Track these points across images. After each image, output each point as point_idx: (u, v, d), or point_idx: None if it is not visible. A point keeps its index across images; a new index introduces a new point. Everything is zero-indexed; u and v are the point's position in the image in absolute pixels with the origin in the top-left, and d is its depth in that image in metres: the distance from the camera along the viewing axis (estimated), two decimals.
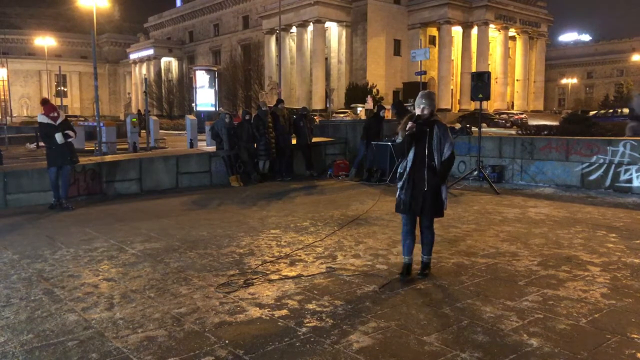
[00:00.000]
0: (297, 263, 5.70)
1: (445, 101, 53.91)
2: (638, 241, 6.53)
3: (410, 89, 48.41)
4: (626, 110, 32.02)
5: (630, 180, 10.24)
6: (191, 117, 23.82)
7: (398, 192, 5.14)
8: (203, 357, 3.51)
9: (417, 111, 5.02)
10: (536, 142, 12.02)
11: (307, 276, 5.22)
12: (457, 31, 57.07)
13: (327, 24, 55.58)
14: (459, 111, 53.50)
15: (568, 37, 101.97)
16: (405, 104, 21.13)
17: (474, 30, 56.81)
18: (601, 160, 10.64)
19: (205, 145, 19.16)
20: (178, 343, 3.73)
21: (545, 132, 20.40)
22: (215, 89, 47.77)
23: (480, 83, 11.27)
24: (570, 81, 78.62)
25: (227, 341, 3.75)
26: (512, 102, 61.18)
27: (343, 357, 3.49)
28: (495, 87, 53.81)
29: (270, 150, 12.71)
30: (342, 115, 42.93)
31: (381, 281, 5.01)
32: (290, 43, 58.24)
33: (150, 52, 78.72)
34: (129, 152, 19.76)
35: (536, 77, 64.23)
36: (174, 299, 4.62)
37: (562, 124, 22.85)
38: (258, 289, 4.87)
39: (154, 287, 4.94)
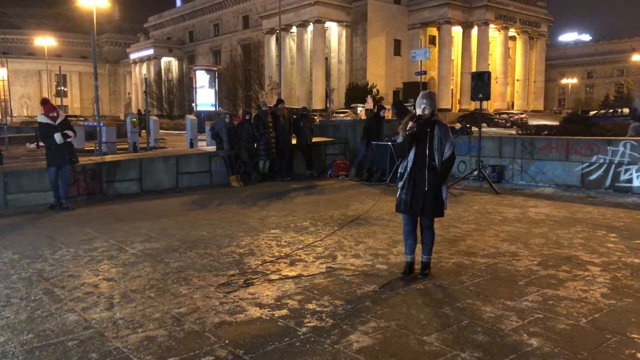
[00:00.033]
0: (297, 263, 5.70)
1: (445, 101, 53.90)
2: (638, 241, 6.53)
3: (411, 89, 48.41)
4: (626, 110, 32.09)
5: (630, 180, 10.24)
6: (191, 117, 23.82)
7: (399, 192, 5.14)
8: (203, 357, 3.51)
9: (418, 111, 5.02)
10: (536, 142, 12.02)
11: (307, 276, 5.22)
12: (457, 31, 57.08)
13: (327, 24, 55.58)
14: (459, 111, 53.50)
15: (568, 37, 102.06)
16: (405, 104, 21.15)
17: (474, 30, 56.81)
18: (601, 160, 10.64)
19: (205, 145, 19.16)
20: (178, 343, 3.73)
21: (546, 132, 20.40)
22: (215, 89, 47.76)
23: (480, 83, 11.27)
24: (570, 81, 78.64)
25: (227, 341, 3.75)
26: (512, 102, 61.18)
27: (343, 357, 3.49)
28: (496, 87, 53.82)
29: (270, 150, 12.71)
30: (342, 115, 42.93)
31: (381, 281, 5.01)
32: (291, 43, 58.25)
33: (150, 52, 78.72)
34: (129, 152, 19.76)
35: (536, 77, 64.23)
36: (174, 299, 4.62)
37: (562, 123, 22.86)
38: (258, 288, 4.87)
39: (154, 287, 4.94)
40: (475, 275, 5.19)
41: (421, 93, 5.13)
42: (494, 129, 36.28)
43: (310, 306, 4.41)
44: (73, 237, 7.05)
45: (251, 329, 3.95)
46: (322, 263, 5.68)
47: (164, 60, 78.25)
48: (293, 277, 5.19)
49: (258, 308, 4.38)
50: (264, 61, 61.17)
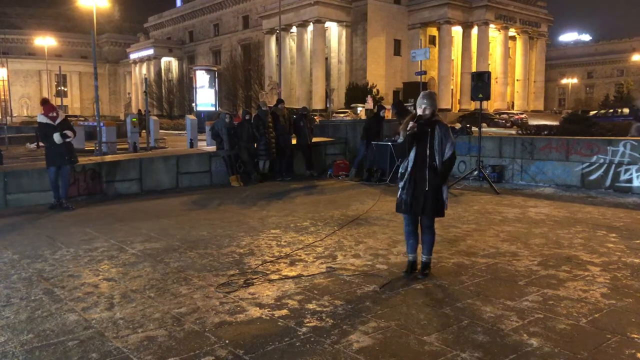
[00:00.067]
0: (297, 263, 5.70)
1: (445, 101, 53.90)
2: (638, 241, 6.53)
3: (411, 89, 48.42)
4: (626, 110, 32.13)
5: (630, 180, 10.24)
6: (191, 117, 23.81)
7: (399, 192, 5.15)
8: (203, 357, 3.51)
9: (419, 111, 5.03)
10: (536, 142, 12.03)
11: (307, 276, 5.22)
12: (457, 31, 57.09)
13: (327, 24, 55.58)
14: (459, 111, 53.50)
15: (568, 37, 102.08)
16: (405, 104, 21.14)
17: (474, 30, 56.82)
18: (601, 160, 10.64)
19: (206, 145, 19.15)
20: (178, 343, 3.73)
21: (546, 132, 20.41)
22: (215, 89, 47.76)
23: (480, 83, 11.27)
24: (570, 81, 78.65)
25: (227, 341, 3.75)
26: (512, 102, 61.19)
27: (343, 357, 3.49)
28: (496, 87, 53.82)
29: (270, 150, 12.71)
30: (342, 115, 42.93)
31: (381, 281, 5.01)
32: (291, 43, 58.26)
33: (150, 52, 78.73)
34: (129, 152, 19.75)
35: (536, 77, 64.24)
36: (174, 299, 4.62)
37: (562, 123, 22.88)
38: (258, 288, 4.87)
39: (154, 287, 4.94)
40: (475, 275, 5.19)
41: (422, 93, 5.14)
42: (494, 129, 36.28)
43: (310, 306, 4.41)
44: (73, 237, 7.05)
45: (251, 329, 3.95)
46: (322, 263, 5.68)
47: (164, 60, 78.25)
48: (293, 277, 5.19)
49: (258, 308, 4.38)
50: (264, 61, 61.17)
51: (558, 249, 6.18)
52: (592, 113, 34.03)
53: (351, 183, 12.54)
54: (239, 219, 8.23)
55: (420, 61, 19.88)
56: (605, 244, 6.38)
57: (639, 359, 3.45)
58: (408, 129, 4.94)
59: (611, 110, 34.45)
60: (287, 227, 7.56)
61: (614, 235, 6.83)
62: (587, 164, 10.87)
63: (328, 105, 51.47)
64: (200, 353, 3.56)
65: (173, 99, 71.79)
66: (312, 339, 3.76)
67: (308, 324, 4.03)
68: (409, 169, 5.06)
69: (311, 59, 55.42)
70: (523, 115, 45.06)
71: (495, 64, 58.32)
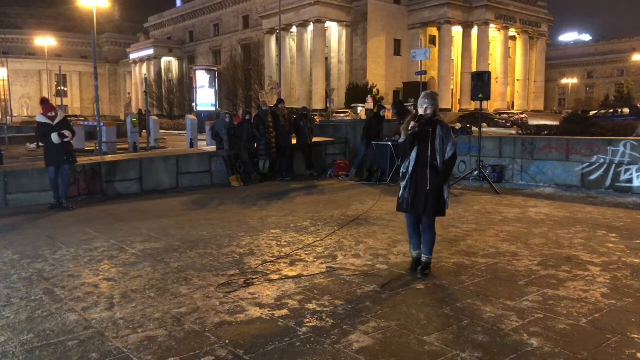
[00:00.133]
0: (297, 263, 5.70)
1: (445, 101, 53.89)
2: (638, 241, 6.53)
3: (411, 89, 48.43)
4: (626, 110, 32.15)
5: (630, 180, 10.24)
6: (191, 117, 23.82)
7: (401, 192, 5.15)
8: (203, 357, 3.52)
9: (420, 111, 5.04)
10: (536, 142, 12.02)
11: (307, 276, 5.22)
12: (457, 31, 57.09)
13: (328, 24, 55.59)
14: (459, 111, 53.51)
15: (568, 37, 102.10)
16: (405, 104, 21.13)
17: (474, 30, 56.82)
18: (601, 160, 10.64)
19: (206, 145, 19.16)
20: (178, 343, 3.73)
21: (546, 132, 20.41)
22: (215, 89, 47.79)
23: (480, 83, 11.27)
24: (570, 81, 78.66)
25: (227, 341, 3.75)
26: (513, 102, 61.19)
27: (343, 357, 3.49)
28: (496, 87, 53.83)
29: (270, 150, 12.71)
30: (342, 115, 42.95)
31: (381, 281, 5.01)
32: (291, 43, 58.26)
33: (151, 52, 78.74)
34: (129, 152, 19.75)
35: (536, 77, 64.24)
36: (174, 299, 4.62)
37: (563, 123, 22.88)
38: (258, 288, 4.87)
39: (154, 287, 4.94)
40: (475, 275, 5.19)
41: (423, 93, 5.16)
42: (494, 129, 36.29)
43: (311, 306, 4.41)
44: (73, 237, 7.05)
45: (251, 329, 3.95)
46: (322, 263, 5.68)
47: (164, 60, 78.26)
48: (293, 277, 5.19)
49: (258, 308, 4.38)
50: (264, 61, 61.18)
51: (558, 249, 6.18)
52: (592, 113, 34.03)
53: (351, 183, 12.54)
54: (239, 219, 8.23)
55: (421, 61, 19.88)
56: (605, 244, 6.38)
57: (639, 359, 3.44)
58: (409, 128, 4.95)
59: (611, 110, 34.45)
60: (287, 227, 7.56)
61: (614, 235, 6.83)
62: (588, 164, 10.87)
63: (328, 105, 51.48)
64: (201, 353, 3.56)
65: (173, 99, 71.81)
66: (312, 339, 3.76)
67: (308, 324, 4.03)
68: (410, 168, 5.07)
69: (311, 59, 55.43)
70: (523, 115, 45.06)
71: (495, 64, 58.33)
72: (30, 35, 77.48)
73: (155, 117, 27.20)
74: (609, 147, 10.55)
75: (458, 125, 23.85)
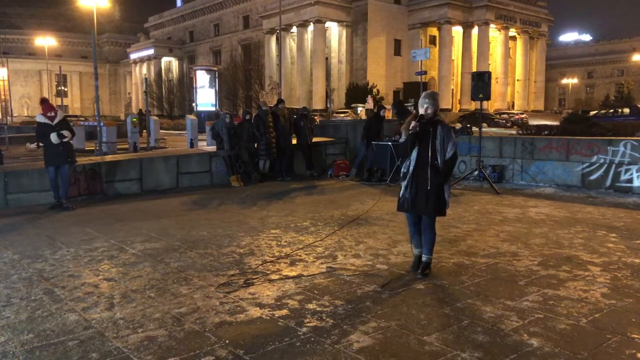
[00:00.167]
0: (297, 263, 5.70)
1: (445, 101, 53.89)
2: (638, 241, 6.53)
3: (411, 89, 48.46)
4: (627, 110, 32.16)
5: (630, 180, 10.24)
6: (191, 117, 23.82)
7: (402, 191, 5.16)
8: (203, 357, 3.51)
9: (421, 110, 5.04)
10: (537, 142, 12.02)
11: (307, 276, 5.22)
12: (457, 31, 57.10)
13: (328, 24, 55.60)
14: (459, 111, 53.51)
15: (568, 37, 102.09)
16: (405, 104, 21.14)
17: (475, 30, 56.83)
18: (602, 160, 10.64)
19: (206, 145, 19.16)
20: (178, 343, 3.73)
21: (546, 132, 20.42)
22: (215, 89, 47.76)
23: (480, 83, 11.27)
24: (570, 81, 78.65)
25: (227, 341, 3.75)
26: (513, 102, 61.20)
27: (343, 357, 3.49)
28: (496, 87, 53.83)
29: (270, 150, 12.71)
30: (342, 115, 42.96)
31: (381, 281, 5.01)
32: (291, 43, 58.26)
33: (151, 52, 78.74)
34: (129, 152, 19.76)
35: (537, 77, 64.24)
36: (174, 299, 4.62)
37: (563, 123, 22.89)
38: (258, 288, 4.87)
39: (154, 287, 4.94)
40: (475, 275, 5.19)
41: (424, 93, 5.17)
42: (494, 129, 36.28)
43: (311, 306, 4.41)
44: (73, 237, 7.05)
45: (251, 329, 3.95)
46: (322, 263, 5.68)
47: (164, 60, 78.27)
48: (293, 277, 5.19)
49: (258, 308, 4.38)
50: (264, 61, 61.19)
51: (558, 249, 6.18)
52: (592, 113, 34.03)
53: (351, 183, 12.54)
54: (239, 219, 8.23)
55: (421, 61, 19.89)
56: (605, 244, 6.38)
57: (639, 359, 3.44)
58: (410, 128, 4.95)
59: (611, 110, 34.46)
60: (287, 227, 7.56)
61: (614, 235, 6.82)
62: (588, 164, 10.86)
63: (328, 105, 51.49)
64: (201, 353, 3.56)
65: (173, 99, 71.82)
66: (313, 339, 3.76)
67: (308, 324, 4.03)
68: (411, 168, 5.08)
69: (311, 59, 55.43)
70: (523, 115, 45.07)
71: (495, 64, 58.33)
72: (31, 35, 77.48)
73: (156, 117, 27.21)
74: (609, 147, 10.55)
75: (458, 125, 23.87)
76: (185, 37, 79.98)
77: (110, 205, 9.80)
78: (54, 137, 9.02)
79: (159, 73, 76.31)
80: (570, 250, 6.11)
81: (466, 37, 56.94)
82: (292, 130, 13.51)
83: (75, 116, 50.63)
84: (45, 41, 58.62)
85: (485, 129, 30.49)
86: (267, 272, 5.38)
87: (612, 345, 3.61)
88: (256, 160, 12.81)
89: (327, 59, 56.56)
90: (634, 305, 4.36)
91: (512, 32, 59.95)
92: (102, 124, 20.21)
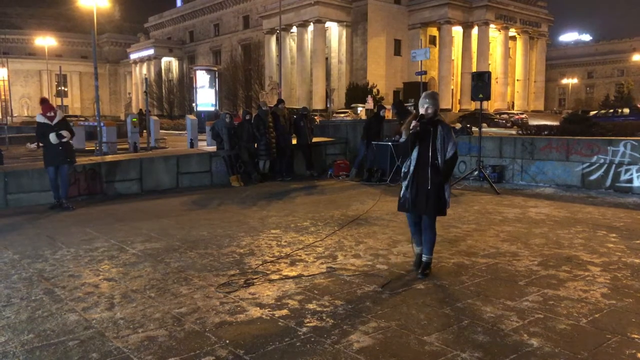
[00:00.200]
0: (297, 263, 5.70)
1: (445, 101, 53.86)
2: (638, 241, 6.53)
3: (411, 89, 48.45)
4: (627, 110, 32.15)
5: (630, 180, 10.24)
6: (191, 117, 23.82)
7: (403, 191, 5.16)
8: (203, 357, 3.52)
9: (421, 110, 5.05)
10: (536, 142, 12.02)
11: (307, 276, 5.22)
12: (457, 31, 57.09)
13: (328, 24, 55.58)
14: (459, 111, 53.51)
15: (568, 37, 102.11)
16: (405, 104, 21.15)
17: (475, 30, 56.82)
18: (602, 160, 10.64)
19: (206, 145, 19.16)
20: (178, 343, 3.73)
21: (546, 132, 20.42)
22: (215, 89, 47.76)
23: (480, 83, 11.27)
24: (570, 81, 78.66)
25: (227, 341, 3.75)
26: (513, 102, 61.20)
27: (343, 357, 3.50)
28: (496, 87, 53.82)
29: (270, 150, 12.71)
30: (342, 115, 42.94)
31: (381, 281, 5.01)
32: (291, 43, 58.25)
33: (151, 52, 78.72)
34: (129, 152, 19.76)
35: (536, 77, 64.23)
36: (175, 299, 4.62)
37: (563, 124, 22.90)
38: (258, 288, 4.87)
39: (155, 287, 4.94)
40: (475, 276, 5.19)
41: (424, 93, 5.18)
42: (494, 129, 36.28)
43: (311, 306, 4.41)
44: (73, 237, 7.06)
45: (251, 329, 3.96)
46: (322, 263, 5.68)
47: (164, 60, 78.25)
48: (293, 277, 5.19)
49: (258, 308, 4.38)
50: (264, 61, 61.18)
51: (558, 249, 6.18)
52: (592, 113, 34.02)
53: (351, 183, 12.54)
54: (239, 219, 8.23)
55: (421, 61, 19.87)
56: (605, 244, 6.38)
57: (639, 359, 3.45)
58: (411, 128, 4.96)
59: (611, 111, 34.44)
60: (288, 227, 7.56)
61: (614, 235, 6.83)
62: (588, 164, 10.87)
63: (328, 105, 51.48)
64: (201, 353, 3.56)
65: (173, 99, 71.81)
66: (313, 339, 3.77)
67: (308, 324, 4.04)
68: (411, 168, 5.09)
69: (311, 59, 55.42)
70: (523, 115, 45.06)
71: (495, 64, 58.33)
72: (31, 35, 77.46)
73: (156, 117, 27.21)
74: (609, 147, 10.55)
75: (458, 125, 23.88)
76: (185, 37, 79.96)
77: (110, 205, 9.81)
78: (52, 137, 9.03)
79: (159, 73, 76.30)
80: (570, 250, 6.11)
81: (466, 37, 56.93)
82: (292, 130, 13.51)
83: (76, 116, 50.66)
84: (45, 41, 58.62)
85: (485, 129, 30.49)
86: (267, 272, 5.38)
87: (612, 346, 3.61)
88: (256, 161, 12.81)
89: (327, 59, 56.55)
90: (634, 306, 4.36)
91: (512, 32, 59.95)
92: (102, 124, 20.21)
